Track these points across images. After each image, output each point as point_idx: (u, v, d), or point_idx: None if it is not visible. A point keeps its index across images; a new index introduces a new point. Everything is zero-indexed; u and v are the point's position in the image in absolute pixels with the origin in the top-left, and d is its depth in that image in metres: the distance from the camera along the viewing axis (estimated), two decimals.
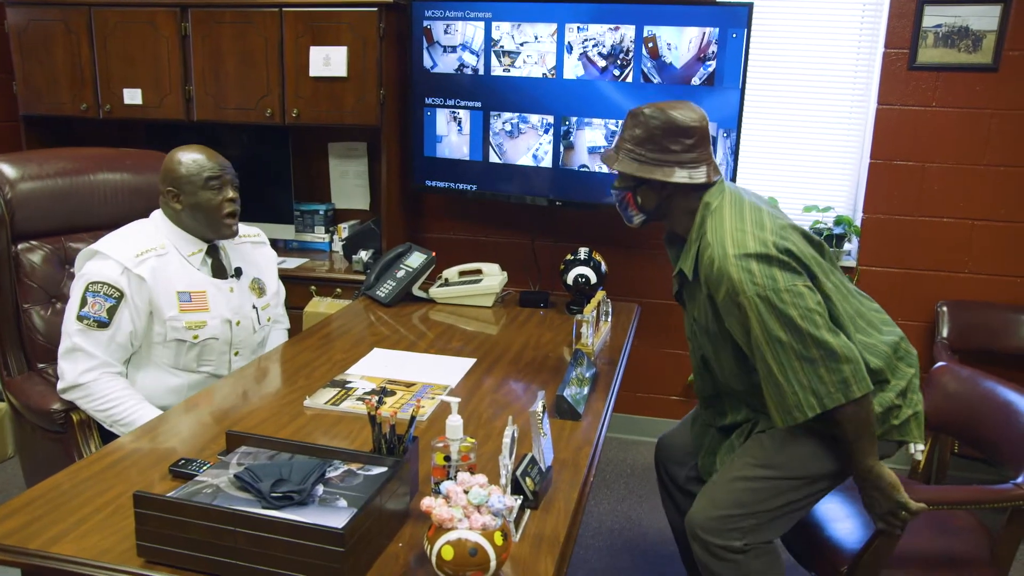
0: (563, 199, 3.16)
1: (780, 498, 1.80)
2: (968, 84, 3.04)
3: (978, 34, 2.97)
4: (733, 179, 2.88)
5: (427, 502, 1.20)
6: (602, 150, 3.04)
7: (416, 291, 2.74)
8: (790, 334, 1.63)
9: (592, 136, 3.04)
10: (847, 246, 3.29)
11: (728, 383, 1.91)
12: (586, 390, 1.97)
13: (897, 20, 3.05)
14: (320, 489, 1.28)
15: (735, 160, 2.85)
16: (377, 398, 1.84)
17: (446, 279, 2.79)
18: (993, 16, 2.94)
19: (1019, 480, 1.84)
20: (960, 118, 3.08)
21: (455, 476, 1.38)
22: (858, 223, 3.26)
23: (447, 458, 1.38)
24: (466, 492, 1.23)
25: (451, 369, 2.10)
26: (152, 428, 1.72)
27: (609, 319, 2.54)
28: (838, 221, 3.25)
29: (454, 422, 1.38)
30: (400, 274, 2.72)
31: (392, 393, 1.90)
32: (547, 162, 3.13)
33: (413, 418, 1.42)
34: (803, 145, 3.31)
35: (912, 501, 1.73)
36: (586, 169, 3.09)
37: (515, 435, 1.40)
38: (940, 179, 3.15)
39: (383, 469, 1.36)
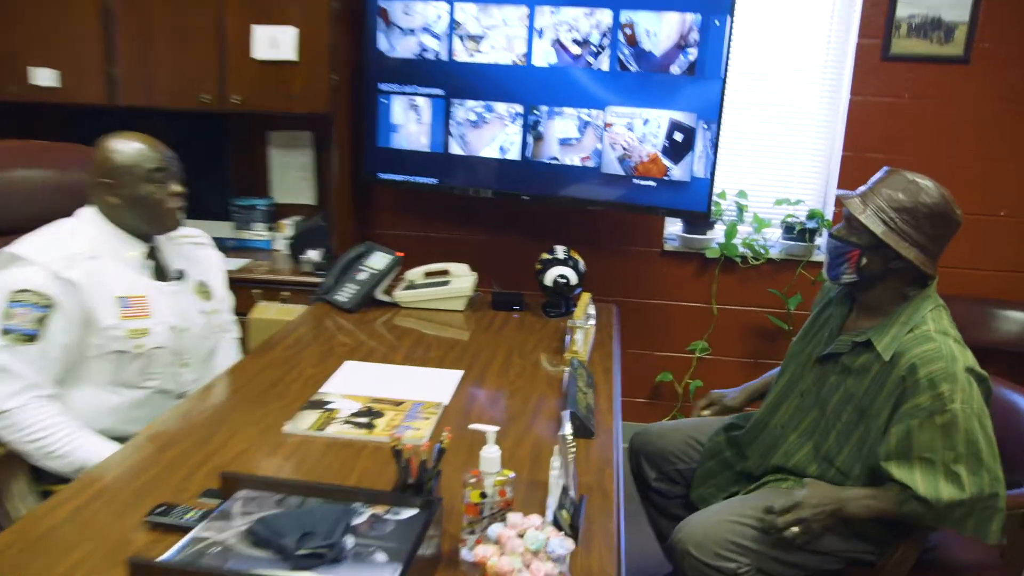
0: (530, 193, 2.97)
1: (778, 552, 1.75)
2: (940, 76, 3.00)
3: (950, 25, 2.93)
4: (712, 173, 2.74)
5: (481, 552, 1.00)
6: (574, 142, 2.86)
7: (380, 295, 2.50)
8: (983, 438, 1.63)
9: (563, 127, 2.86)
10: (819, 240, 3.21)
11: (810, 455, 1.85)
12: (592, 404, 1.80)
13: (871, 8, 2.99)
14: (351, 541, 1.06)
15: (715, 153, 2.71)
16: (397, 432, 1.62)
17: (411, 281, 2.57)
18: (964, 7, 2.91)
19: None
20: (932, 110, 3.05)
21: (491, 515, 1.18)
22: (830, 217, 3.19)
23: (483, 495, 1.17)
24: (520, 536, 1.03)
25: (439, 383, 1.89)
26: (112, 467, 1.44)
27: (593, 322, 2.37)
28: (810, 215, 3.18)
29: (491, 454, 1.17)
30: (362, 277, 2.48)
31: (380, 414, 1.68)
32: (514, 154, 2.93)
33: (442, 451, 1.20)
34: (774, 137, 3.23)
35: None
36: (556, 162, 2.90)
37: (561, 467, 1.21)
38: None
39: (413, 512, 1.14)
